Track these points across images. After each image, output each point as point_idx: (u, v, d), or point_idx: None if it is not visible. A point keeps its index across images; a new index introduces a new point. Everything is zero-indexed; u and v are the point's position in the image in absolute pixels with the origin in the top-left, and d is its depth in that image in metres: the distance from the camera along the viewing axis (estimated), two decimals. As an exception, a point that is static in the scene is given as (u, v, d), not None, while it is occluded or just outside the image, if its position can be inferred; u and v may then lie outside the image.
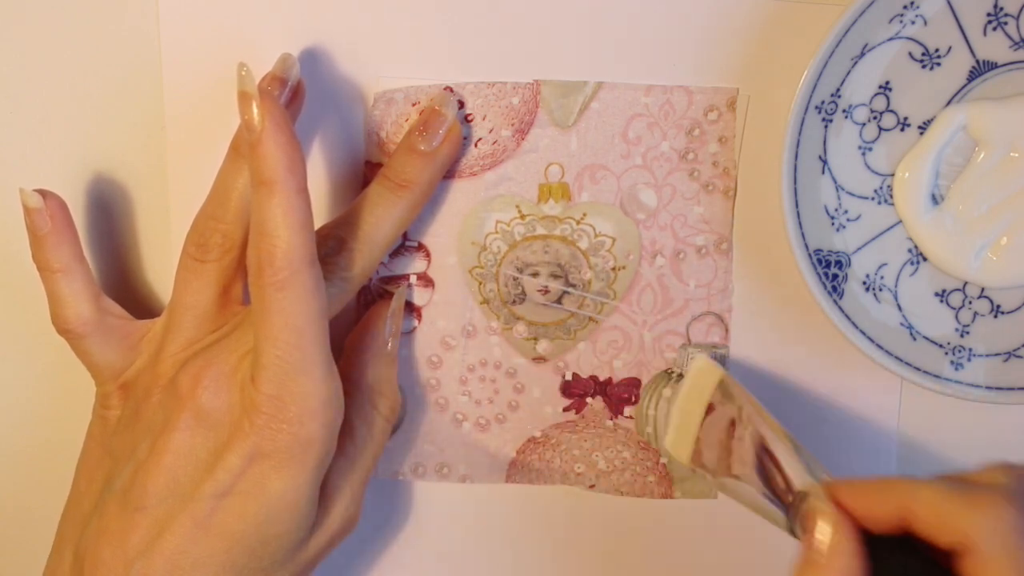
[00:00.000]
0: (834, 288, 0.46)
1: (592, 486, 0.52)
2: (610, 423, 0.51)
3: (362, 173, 0.48)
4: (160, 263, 0.50)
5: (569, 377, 0.51)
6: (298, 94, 0.46)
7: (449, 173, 0.48)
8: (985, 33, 0.44)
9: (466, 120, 0.48)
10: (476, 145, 0.48)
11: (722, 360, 0.50)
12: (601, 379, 0.51)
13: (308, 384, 0.41)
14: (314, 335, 0.41)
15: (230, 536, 0.41)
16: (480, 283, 0.49)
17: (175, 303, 0.45)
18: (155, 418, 0.43)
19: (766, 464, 0.43)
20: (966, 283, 0.47)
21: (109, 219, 0.49)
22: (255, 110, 0.40)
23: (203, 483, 0.41)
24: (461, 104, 0.47)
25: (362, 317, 0.49)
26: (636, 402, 0.51)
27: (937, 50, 0.44)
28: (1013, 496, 0.37)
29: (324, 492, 0.44)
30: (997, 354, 0.47)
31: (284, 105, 0.45)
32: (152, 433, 0.43)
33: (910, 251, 0.47)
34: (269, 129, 0.40)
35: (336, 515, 0.45)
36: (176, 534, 0.41)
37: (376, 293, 0.49)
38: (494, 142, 0.48)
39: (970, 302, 0.47)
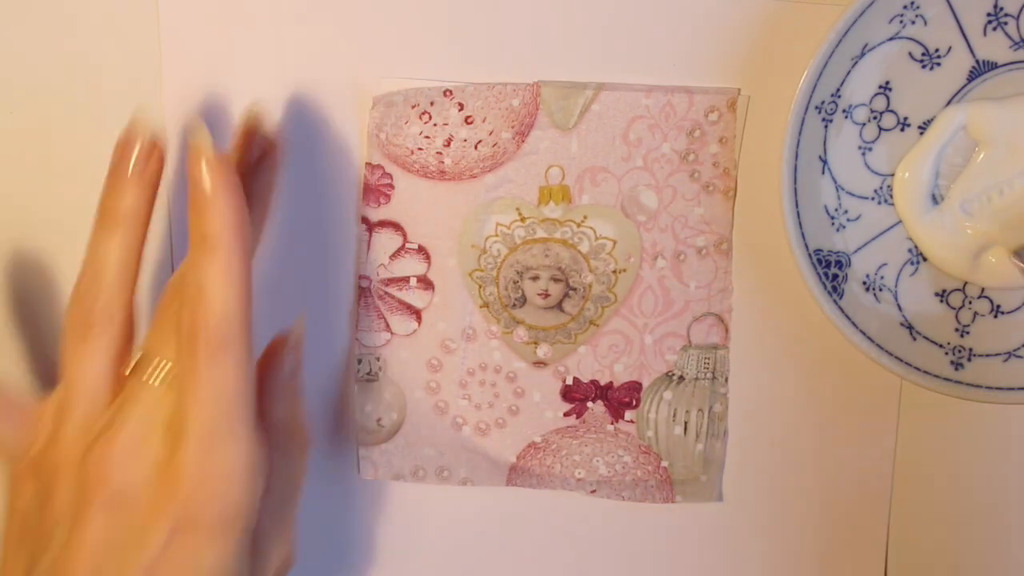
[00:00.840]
0: (834, 288, 0.46)
1: (593, 491, 0.51)
2: (611, 427, 0.51)
3: (362, 174, 0.48)
4: (160, 262, 0.49)
5: (570, 381, 0.51)
6: (273, 149, 0.45)
7: (450, 175, 0.48)
8: (985, 33, 0.44)
9: (466, 122, 0.48)
10: (476, 147, 0.48)
11: (722, 361, 0.50)
12: (602, 383, 0.51)
13: (234, 454, 0.40)
14: (242, 403, 0.40)
15: None
16: (480, 286, 0.49)
17: (66, 381, 0.42)
18: (66, 506, 0.41)
19: None
20: (966, 283, 0.47)
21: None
22: (204, 168, 0.39)
23: (128, 564, 0.40)
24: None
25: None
26: (637, 406, 0.51)
27: (937, 50, 0.45)
28: None
29: None
30: (997, 354, 0.47)
31: (257, 158, 0.45)
32: (65, 522, 0.41)
33: (910, 251, 0.47)
34: (220, 189, 0.39)
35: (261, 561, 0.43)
36: None
37: (377, 295, 0.49)
38: (494, 144, 0.48)
39: (970, 302, 0.47)
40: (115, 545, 0.40)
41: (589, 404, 0.51)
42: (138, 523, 0.40)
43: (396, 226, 0.49)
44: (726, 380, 0.50)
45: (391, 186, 0.48)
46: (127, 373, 0.42)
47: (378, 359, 0.50)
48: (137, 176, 0.42)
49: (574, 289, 0.49)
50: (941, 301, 0.48)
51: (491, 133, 0.48)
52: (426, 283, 0.49)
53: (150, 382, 0.41)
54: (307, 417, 0.46)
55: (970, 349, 0.47)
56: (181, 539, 0.39)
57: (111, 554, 0.40)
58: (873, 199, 0.46)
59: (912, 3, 0.43)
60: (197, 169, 0.39)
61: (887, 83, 0.45)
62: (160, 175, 0.43)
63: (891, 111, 0.45)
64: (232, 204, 0.39)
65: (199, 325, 0.39)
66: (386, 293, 0.49)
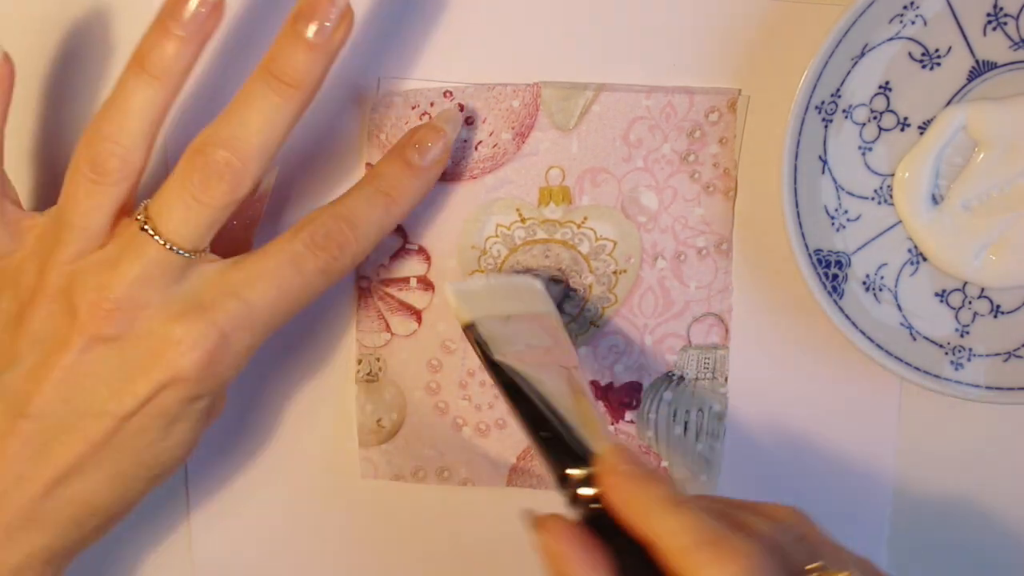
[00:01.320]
0: (834, 288, 0.46)
1: (593, 490, 0.51)
2: (611, 428, 0.51)
3: (362, 175, 0.48)
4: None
5: (569, 381, 0.51)
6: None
7: (450, 176, 0.48)
8: (985, 33, 0.44)
9: (466, 123, 0.48)
10: (476, 148, 0.48)
11: (722, 361, 0.50)
12: (602, 384, 0.51)
13: (246, 342, 0.42)
14: (293, 305, 0.43)
15: (125, 451, 0.42)
16: (480, 287, 0.49)
17: (65, 218, 0.42)
18: (44, 329, 0.42)
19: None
20: (966, 283, 0.47)
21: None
22: (436, 150, 0.45)
23: (105, 402, 0.41)
24: (469, 119, 0.47)
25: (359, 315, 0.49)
26: (637, 406, 0.51)
27: (937, 50, 0.45)
28: (768, 550, 0.36)
29: None
30: (997, 354, 0.48)
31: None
32: (43, 345, 0.42)
33: (910, 251, 0.47)
34: (432, 170, 0.45)
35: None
36: (65, 445, 0.42)
37: (377, 296, 0.49)
38: (494, 145, 0.48)
39: (970, 302, 0.48)
40: (93, 382, 0.41)
41: (589, 405, 0.51)
42: (124, 370, 0.41)
43: (396, 226, 0.49)
44: (726, 380, 0.50)
45: (391, 187, 0.48)
46: (131, 217, 0.42)
47: (378, 360, 0.50)
48: (195, 31, 0.40)
49: (574, 290, 0.49)
50: (941, 301, 0.48)
51: (491, 134, 0.48)
52: (426, 284, 0.49)
53: (155, 239, 0.41)
54: None
55: (970, 349, 0.47)
56: (163, 397, 0.42)
57: (86, 390, 0.41)
58: (873, 199, 0.46)
59: (912, 3, 0.43)
60: (434, 139, 0.45)
61: (887, 83, 0.45)
62: (213, 35, 0.41)
63: (891, 111, 0.45)
64: (428, 187, 0.45)
65: (332, 240, 0.42)
66: (386, 294, 0.49)
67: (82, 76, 0.47)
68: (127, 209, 0.42)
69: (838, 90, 0.44)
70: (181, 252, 0.41)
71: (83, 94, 0.48)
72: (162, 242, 0.41)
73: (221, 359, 0.42)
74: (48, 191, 0.49)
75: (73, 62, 0.47)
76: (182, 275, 0.42)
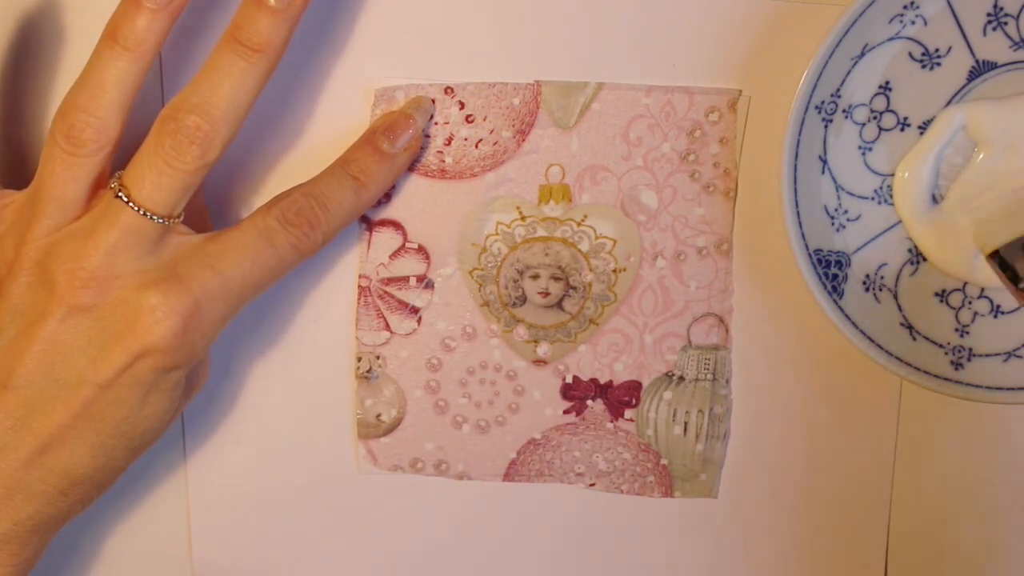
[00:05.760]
0: (834, 288, 0.46)
1: (592, 484, 0.51)
2: (610, 425, 0.51)
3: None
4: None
5: (569, 380, 0.51)
6: None
7: (450, 174, 0.48)
8: (985, 33, 0.44)
9: (467, 121, 0.48)
10: (477, 146, 0.48)
11: (722, 362, 0.50)
12: (602, 382, 0.51)
13: (218, 315, 0.43)
14: (253, 295, 0.44)
15: (105, 420, 0.43)
16: (480, 285, 0.49)
17: (42, 191, 0.43)
18: (22, 301, 0.43)
19: None
20: (966, 283, 0.47)
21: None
22: (403, 137, 0.46)
23: (84, 371, 0.42)
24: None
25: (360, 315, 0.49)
26: (637, 404, 0.51)
27: (937, 50, 0.44)
28: None
29: None
30: (997, 354, 0.47)
31: None
32: (22, 317, 0.43)
33: (910, 251, 0.47)
34: (403, 159, 0.47)
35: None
36: (47, 414, 0.42)
37: (377, 294, 0.49)
38: (495, 143, 0.48)
39: (970, 302, 0.47)
40: (72, 351, 0.42)
41: (589, 402, 0.51)
42: (101, 338, 0.42)
43: (396, 225, 0.49)
44: (727, 382, 0.50)
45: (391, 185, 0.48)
46: (106, 188, 0.43)
47: (378, 357, 0.50)
48: (165, 3, 0.41)
49: (574, 288, 0.49)
50: (941, 301, 0.48)
51: (492, 132, 0.48)
52: (426, 282, 0.49)
53: (130, 206, 0.42)
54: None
55: (970, 349, 0.47)
56: (141, 363, 0.42)
57: (66, 359, 0.42)
58: (873, 199, 0.46)
59: (912, 3, 0.43)
60: (404, 126, 0.46)
61: (887, 83, 0.45)
62: (183, 7, 0.42)
63: (891, 111, 0.45)
64: (398, 173, 0.47)
65: (304, 220, 0.44)
66: (386, 292, 0.49)
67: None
68: (103, 182, 0.43)
69: (838, 90, 0.44)
70: (155, 218, 0.42)
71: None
72: (136, 208, 0.41)
73: (195, 328, 0.42)
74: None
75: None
76: (157, 245, 0.43)
